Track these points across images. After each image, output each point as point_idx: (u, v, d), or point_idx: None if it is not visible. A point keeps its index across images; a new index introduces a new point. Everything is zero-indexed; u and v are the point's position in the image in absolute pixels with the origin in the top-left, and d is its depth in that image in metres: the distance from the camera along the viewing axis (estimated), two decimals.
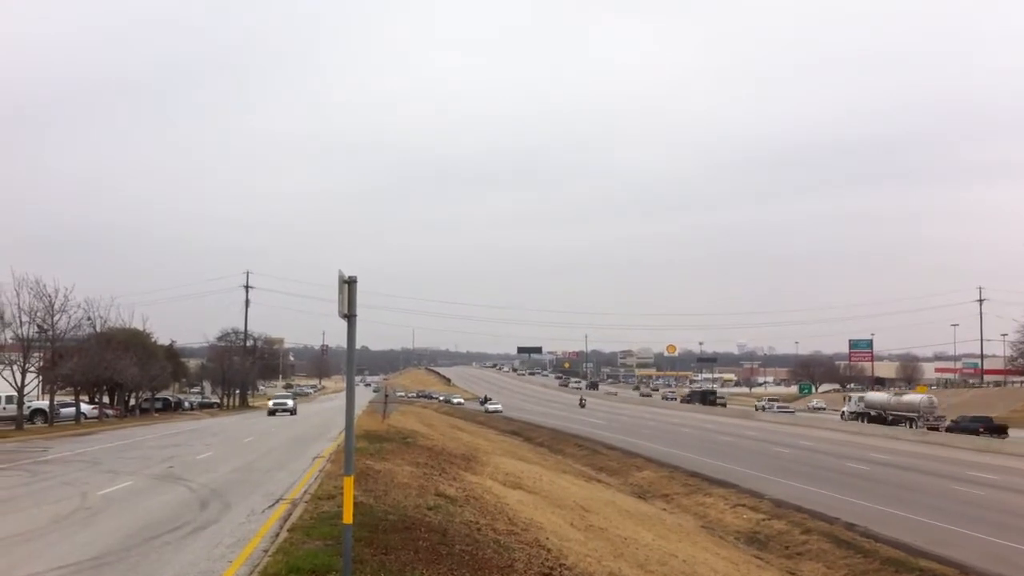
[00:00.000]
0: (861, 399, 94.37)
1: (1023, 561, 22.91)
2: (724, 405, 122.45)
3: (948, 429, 71.09)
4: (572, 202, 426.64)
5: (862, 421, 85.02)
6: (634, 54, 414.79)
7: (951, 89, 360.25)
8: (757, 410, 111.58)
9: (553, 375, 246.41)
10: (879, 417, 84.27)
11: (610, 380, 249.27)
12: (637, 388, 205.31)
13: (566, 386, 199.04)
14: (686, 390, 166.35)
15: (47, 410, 57.39)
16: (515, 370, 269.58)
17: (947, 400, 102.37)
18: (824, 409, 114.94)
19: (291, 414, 74.93)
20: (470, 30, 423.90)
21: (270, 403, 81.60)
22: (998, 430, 69.24)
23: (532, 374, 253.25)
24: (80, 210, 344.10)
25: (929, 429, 72.12)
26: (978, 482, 38.75)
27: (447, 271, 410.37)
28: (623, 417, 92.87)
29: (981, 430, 68.04)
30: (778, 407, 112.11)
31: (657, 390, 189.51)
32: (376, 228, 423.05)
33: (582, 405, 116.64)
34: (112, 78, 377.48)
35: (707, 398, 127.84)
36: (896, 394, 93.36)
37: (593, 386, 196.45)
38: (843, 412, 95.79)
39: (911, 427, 76.08)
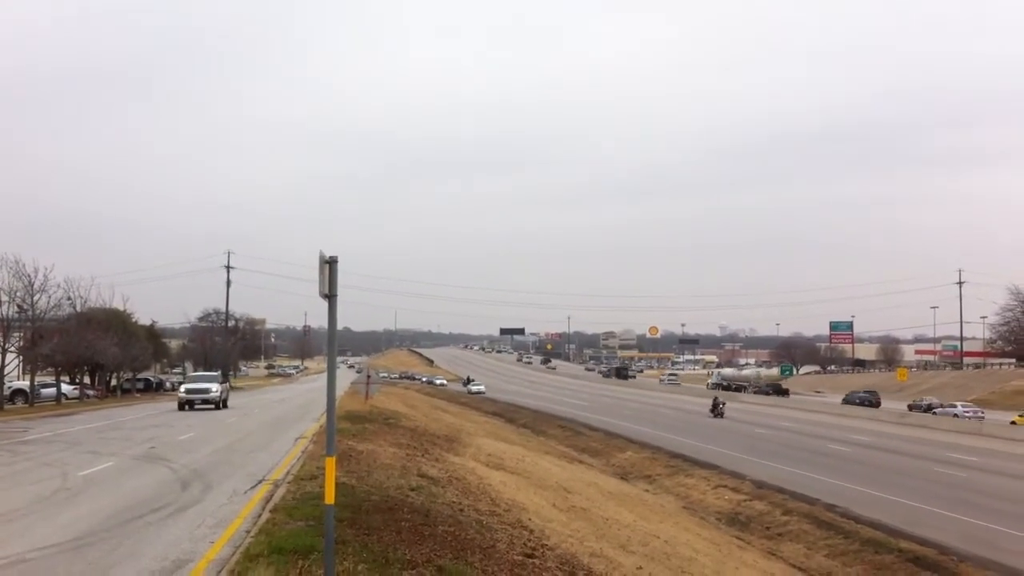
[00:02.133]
0: (719, 374, 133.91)
1: (998, 540, 23.21)
2: (634, 377, 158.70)
3: (754, 392, 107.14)
4: (559, 188, 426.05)
5: (719, 389, 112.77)
6: (631, 44, 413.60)
7: (934, 77, 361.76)
8: (661, 382, 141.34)
9: (511, 351, 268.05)
10: (728, 386, 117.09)
11: (593, 361, 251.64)
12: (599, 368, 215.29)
13: (520, 360, 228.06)
14: (603, 366, 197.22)
15: (27, 390, 57.12)
16: (483, 348, 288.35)
17: (927, 381, 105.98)
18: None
19: (217, 407, 49.52)
20: (462, 16, 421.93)
21: (181, 390, 52.98)
22: (782, 392, 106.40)
23: (499, 352, 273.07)
24: (61, 196, 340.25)
25: (754, 392, 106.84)
26: (958, 463, 39.15)
27: (431, 253, 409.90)
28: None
29: (770, 392, 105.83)
30: (668, 380, 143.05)
31: (597, 367, 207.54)
32: (361, 211, 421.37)
33: (717, 413, 67.16)
34: (97, 64, 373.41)
35: (621, 373, 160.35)
36: (738, 369, 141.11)
37: (546, 361, 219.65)
38: (708, 383, 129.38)
39: (743, 392, 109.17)
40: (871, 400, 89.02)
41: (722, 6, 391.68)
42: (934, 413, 73.45)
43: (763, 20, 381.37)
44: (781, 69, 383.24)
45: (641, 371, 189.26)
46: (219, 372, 66.69)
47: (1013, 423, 63.20)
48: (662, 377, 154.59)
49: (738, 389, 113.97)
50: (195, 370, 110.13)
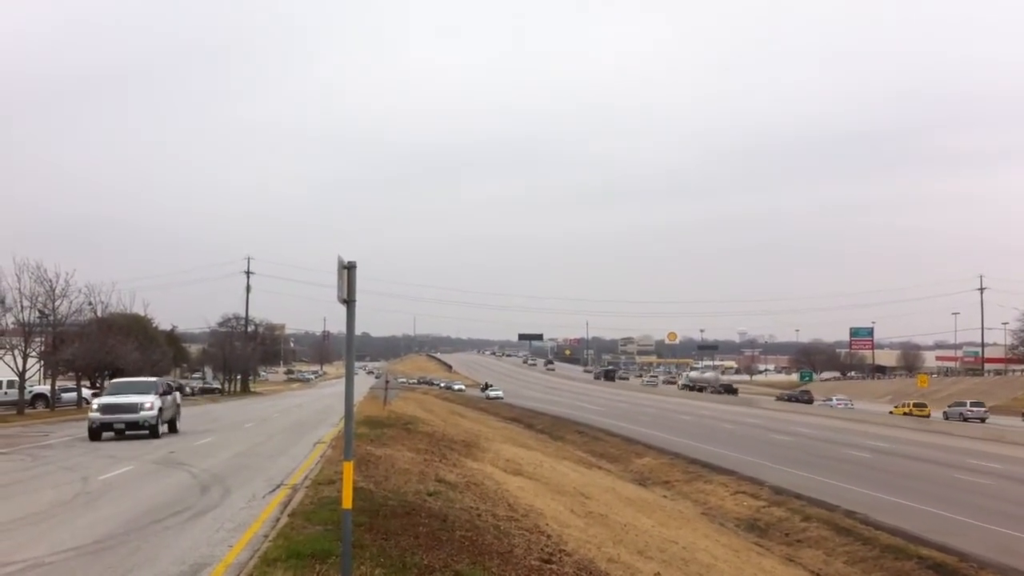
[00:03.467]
0: (688, 376, 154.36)
1: (1022, 548, 22.95)
2: (627, 379, 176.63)
3: (711, 392, 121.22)
4: (576, 191, 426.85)
5: (688, 390, 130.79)
6: (643, 47, 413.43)
7: (950, 79, 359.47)
8: (643, 383, 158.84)
9: (520, 355, 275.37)
10: (694, 387, 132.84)
11: (611, 366, 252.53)
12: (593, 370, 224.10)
13: (525, 363, 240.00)
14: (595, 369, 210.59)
15: (48, 395, 57.50)
16: (494, 353, 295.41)
17: (947, 388, 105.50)
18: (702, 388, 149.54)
19: (153, 434, 31.25)
20: (465, 19, 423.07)
21: (93, 405, 33.45)
22: (731, 391, 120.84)
23: (508, 356, 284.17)
24: (80, 203, 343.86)
25: (711, 392, 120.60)
26: (981, 471, 38.79)
27: (450, 258, 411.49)
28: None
29: (722, 391, 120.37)
30: (648, 382, 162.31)
31: (590, 371, 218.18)
32: (380, 217, 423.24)
33: None
34: (111, 70, 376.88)
35: (609, 375, 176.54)
36: (701, 372, 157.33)
37: (548, 363, 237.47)
38: (679, 384, 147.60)
39: (702, 392, 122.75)
40: (799, 398, 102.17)
41: (723, 7, 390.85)
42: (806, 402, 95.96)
43: (765, 21, 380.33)
44: (811, 73, 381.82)
45: (640, 375, 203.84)
46: (157, 379, 38.96)
47: (891, 413, 72.36)
48: (644, 379, 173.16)
49: (700, 390, 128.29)
50: (214, 376, 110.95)
